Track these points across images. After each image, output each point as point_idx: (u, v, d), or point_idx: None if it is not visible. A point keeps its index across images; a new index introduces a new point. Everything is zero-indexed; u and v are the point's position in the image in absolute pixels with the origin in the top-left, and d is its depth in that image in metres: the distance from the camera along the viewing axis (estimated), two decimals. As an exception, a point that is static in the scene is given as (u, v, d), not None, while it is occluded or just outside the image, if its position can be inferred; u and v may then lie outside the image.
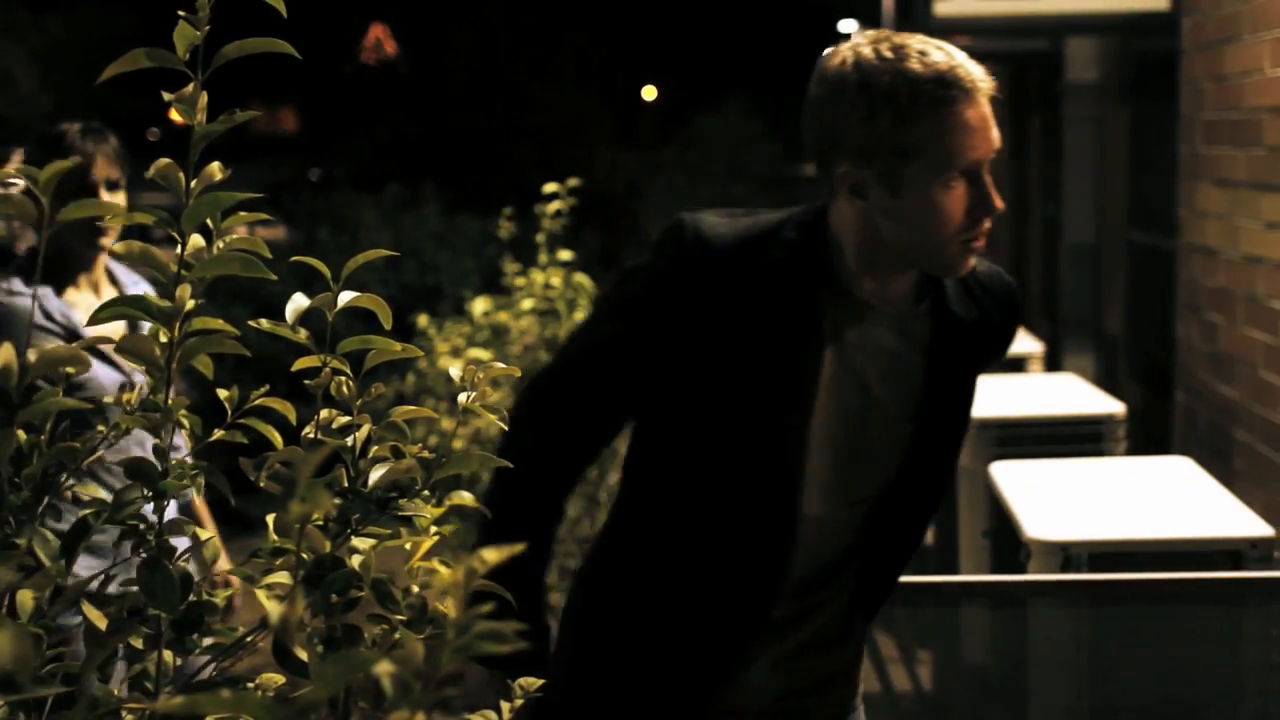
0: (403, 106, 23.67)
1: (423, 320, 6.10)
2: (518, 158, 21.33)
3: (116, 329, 3.11)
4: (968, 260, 2.14)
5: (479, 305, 5.78)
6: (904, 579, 3.00)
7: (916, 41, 2.09)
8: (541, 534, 2.29)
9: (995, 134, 2.11)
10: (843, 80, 2.07)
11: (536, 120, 22.41)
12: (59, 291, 3.60)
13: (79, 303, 3.62)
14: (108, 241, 3.54)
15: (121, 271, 3.78)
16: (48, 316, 3.52)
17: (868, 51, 2.07)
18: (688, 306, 2.16)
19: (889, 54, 2.05)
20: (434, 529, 1.66)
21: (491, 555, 1.22)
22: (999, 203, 2.09)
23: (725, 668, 2.25)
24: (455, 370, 1.81)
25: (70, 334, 3.49)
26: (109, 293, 3.65)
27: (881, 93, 2.04)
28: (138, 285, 3.77)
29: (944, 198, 2.06)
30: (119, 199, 3.58)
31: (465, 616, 1.22)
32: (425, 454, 1.69)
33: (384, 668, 1.10)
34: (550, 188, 5.79)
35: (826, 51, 2.13)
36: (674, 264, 2.18)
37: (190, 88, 1.49)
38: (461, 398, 1.76)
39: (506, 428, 2.03)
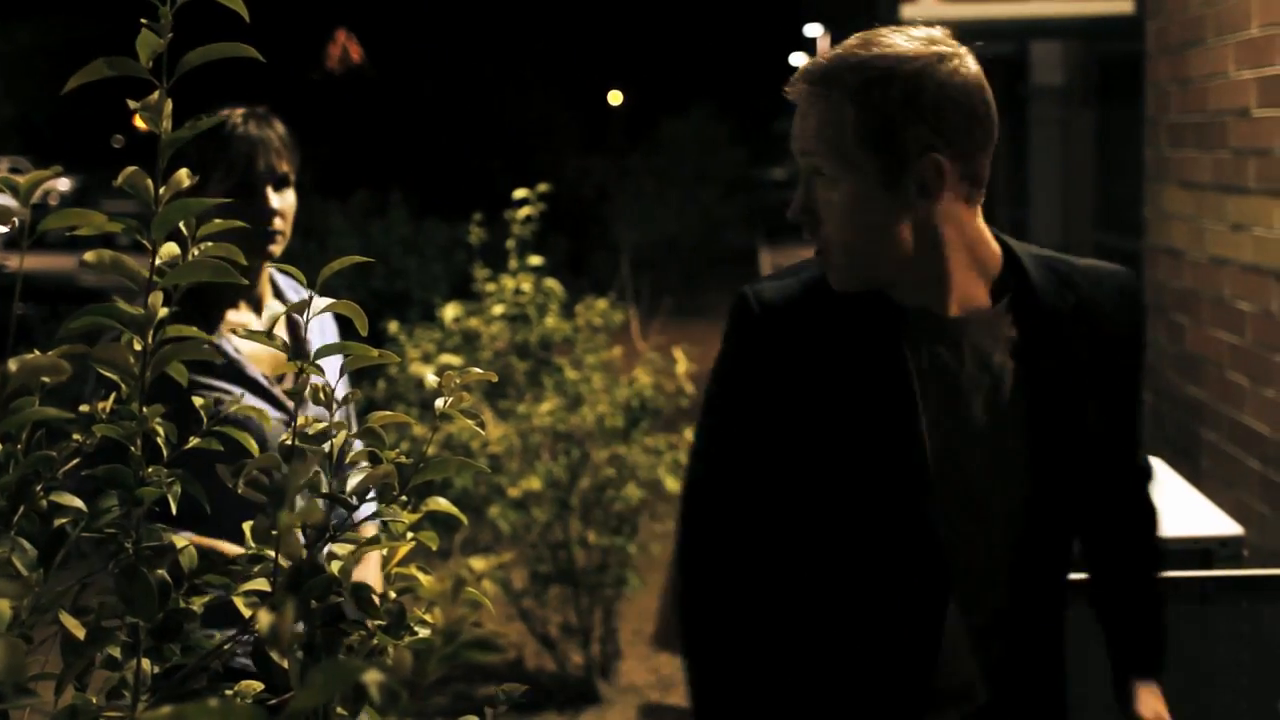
0: (370, 113, 23.64)
1: (393, 326, 6.09)
2: (485, 164, 21.32)
3: (271, 358, 2.87)
4: None
5: (449, 311, 5.77)
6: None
7: (945, 38, 2.11)
8: (751, 654, 2.23)
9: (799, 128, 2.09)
10: (893, 76, 2.06)
11: (504, 126, 22.44)
12: (215, 317, 2.92)
13: (238, 327, 3.01)
14: (277, 250, 2.94)
15: (287, 285, 3.11)
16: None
17: (909, 48, 2.06)
18: (775, 372, 2.13)
19: (932, 54, 2.07)
20: (410, 535, 1.66)
21: (479, 564, 1.22)
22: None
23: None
24: (430, 376, 1.81)
25: (231, 369, 2.87)
26: (274, 310, 3.02)
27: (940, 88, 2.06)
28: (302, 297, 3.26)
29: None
30: (288, 199, 2.98)
31: (452, 624, 1.22)
32: (402, 459, 1.70)
33: (372, 676, 1.10)
34: (520, 193, 5.79)
35: None
36: (749, 337, 2.16)
37: (155, 95, 1.49)
38: (438, 403, 1.76)
39: (680, 570, 2.17)
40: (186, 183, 1.52)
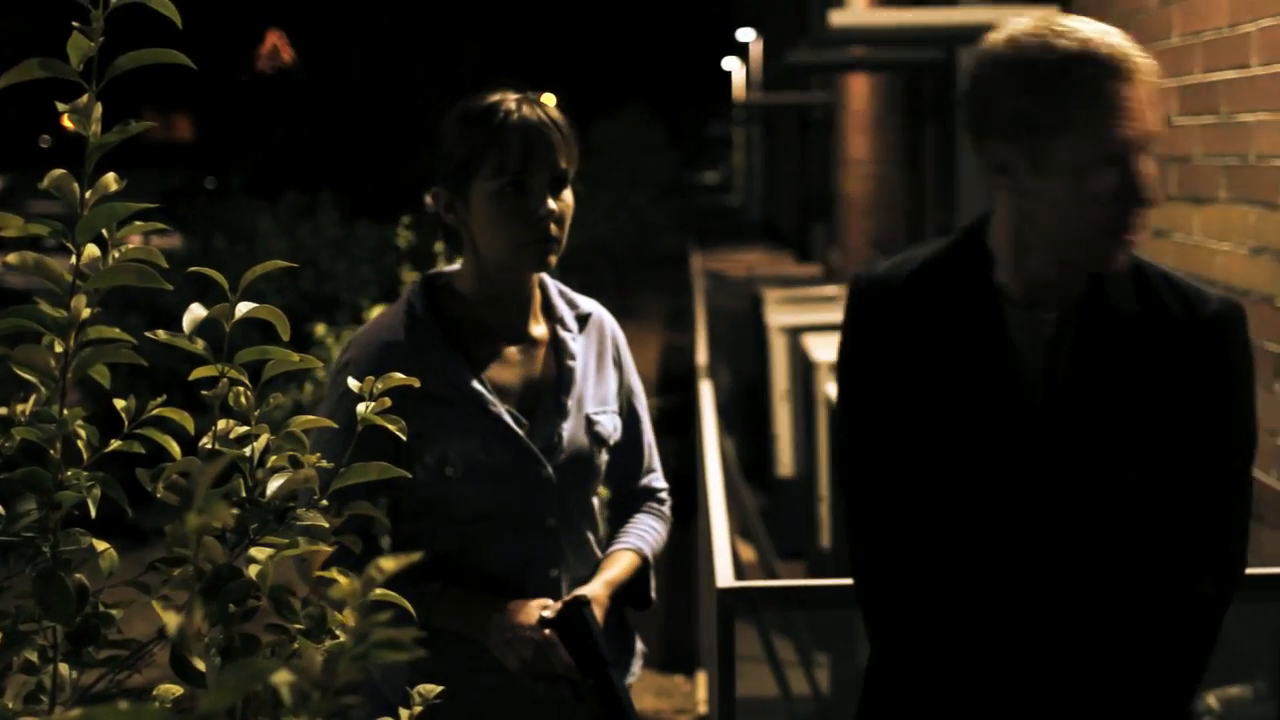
0: (300, 114, 23.51)
1: (320, 329, 6.06)
2: (416, 165, 21.25)
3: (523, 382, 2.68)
4: (1118, 253, 2.13)
5: (375, 313, 5.76)
6: (804, 582, 3.04)
7: (1078, 21, 2.12)
8: (945, 620, 2.23)
9: (1152, 118, 2.11)
10: (997, 55, 2.09)
11: (436, 128, 22.37)
12: (488, 339, 2.71)
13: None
14: (553, 260, 2.63)
15: (559, 297, 2.81)
16: (451, 385, 2.62)
17: (1027, 28, 2.09)
18: (887, 351, 2.23)
19: (1047, 31, 2.08)
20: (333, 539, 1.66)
21: (389, 564, 1.23)
22: (1148, 193, 2.10)
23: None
24: (352, 381, 1.82)
25: (475, 406, 2.62)
26: (542, 332, 2.76)
27: (1032, 65, 2.06)
28: (582, 310, 2.83)
29: (1090, 180, 2.07)
30: (566, 200, 2.64)
31: (363, 625, 1.23)
32: (323, 463, 1.70)
33: (282, 676, 1.11)
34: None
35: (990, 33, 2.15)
36: (862, 315, 2.26)
37: (85, 98, 1.49)
38: (360, 408, 1.77)
39: (854, 540, 2.22)
40: (114, 187, 1.52)
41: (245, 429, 1.67)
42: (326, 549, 1.66)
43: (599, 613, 2.57)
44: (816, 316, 8.56)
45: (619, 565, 2.69)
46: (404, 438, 1.82)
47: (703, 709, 5.78)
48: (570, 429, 2.67)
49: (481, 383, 2.62)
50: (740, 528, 7.32)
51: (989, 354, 2.16)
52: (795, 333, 8.07)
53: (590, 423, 2.70)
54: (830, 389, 5.65)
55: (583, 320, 2.79)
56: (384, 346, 2.61)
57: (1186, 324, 2.16)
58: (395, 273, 6.50)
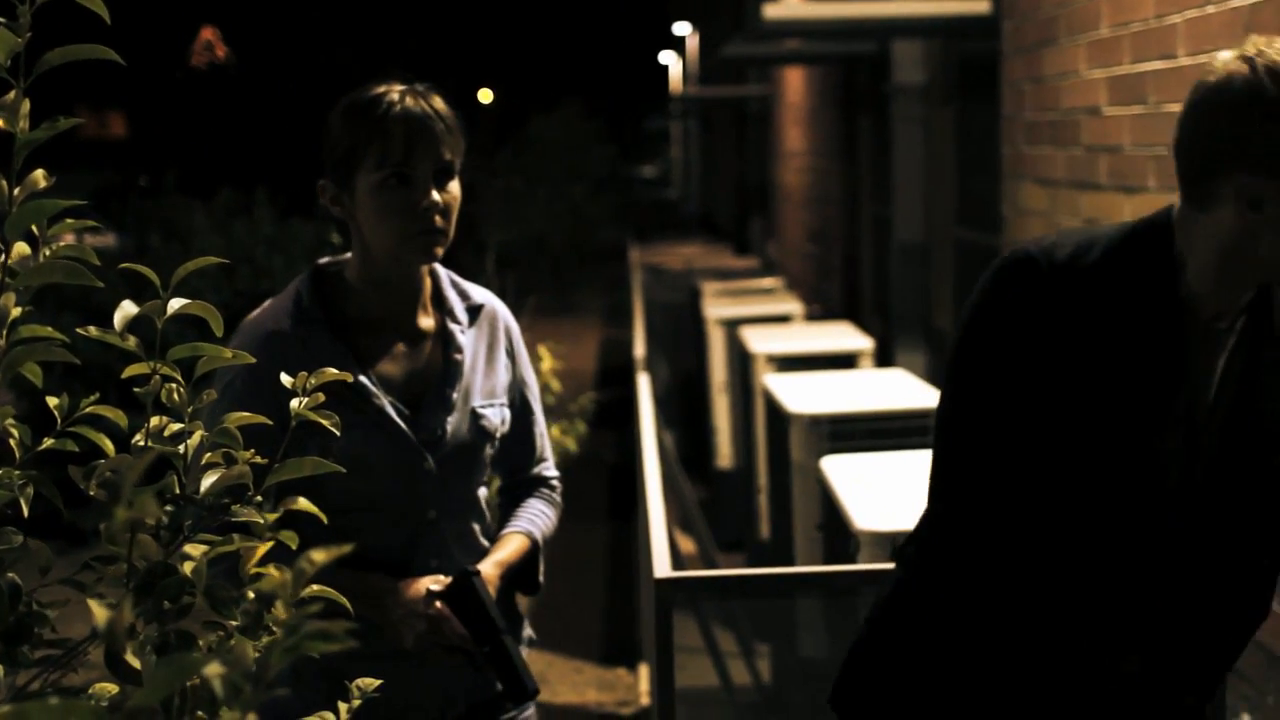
0: (234, 111, 23.34)
1: (219, 330, 6.02)
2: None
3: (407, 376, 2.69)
4: None
5: (313, 310, 5.73)
6: (741, 571, 3.06)
7: None
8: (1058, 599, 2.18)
9: None
10: (1251, 87, 1.98)
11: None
12: (375, 330, 2.71)
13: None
14: (439, 250, 2.63)
15: (451, 288, 2.80)
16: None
17: (1260, 58, 1.99)
18: (1052, 335, 2.11)
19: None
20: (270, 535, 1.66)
21: (320, 555, 1.23)
22: None
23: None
24: (285, 377, 1.82)
25: (358, 397, 2.61)
26: (430, 324, 2.75)
27: None
28: (474, 302, 2.81)
29: None
30: (452, 191, 2.62)
31: (294, 617, 1.24)
32: (258, 459, 1.70)
33: (213, 670, 1.11)
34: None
35: (1219, 59, 2.05)
36: (1033, 295, 2.12)
37: (12, 95, 1.48)
38: (294, 404, 1.77)
39: (960, 564, 2.11)
40: (43, 183, 1.52)
41: (179, 426, 1.67)
42: (262, 545, 1.66)
43: (490, 589, 2.59)
44: (754, 309, 8.59)
45: (509, 547, 2.72)
46: (337, 432, 1.82)
47: (645, 701, 5.80)
48: (454, 422, 2.67)
49: (366, 374, 2.62)
50: (680, 520, 7.35)
51: (1165, 364, 2.11)
52: (733, 325, 8.09)
53: (476, 416, 2.70)
54: (767, 380, 5.67)
55: (474, 312, 2.78)
56: (268, 335, 2.60)
57: None
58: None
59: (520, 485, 2.89)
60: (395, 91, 2.60)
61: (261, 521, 1.66)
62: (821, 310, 11.82)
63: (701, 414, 8.96)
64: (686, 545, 7.29)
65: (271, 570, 1.66)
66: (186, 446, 1.66)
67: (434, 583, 2.57)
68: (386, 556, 2.64)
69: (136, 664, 1.47)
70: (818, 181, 13.59)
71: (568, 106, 24.28)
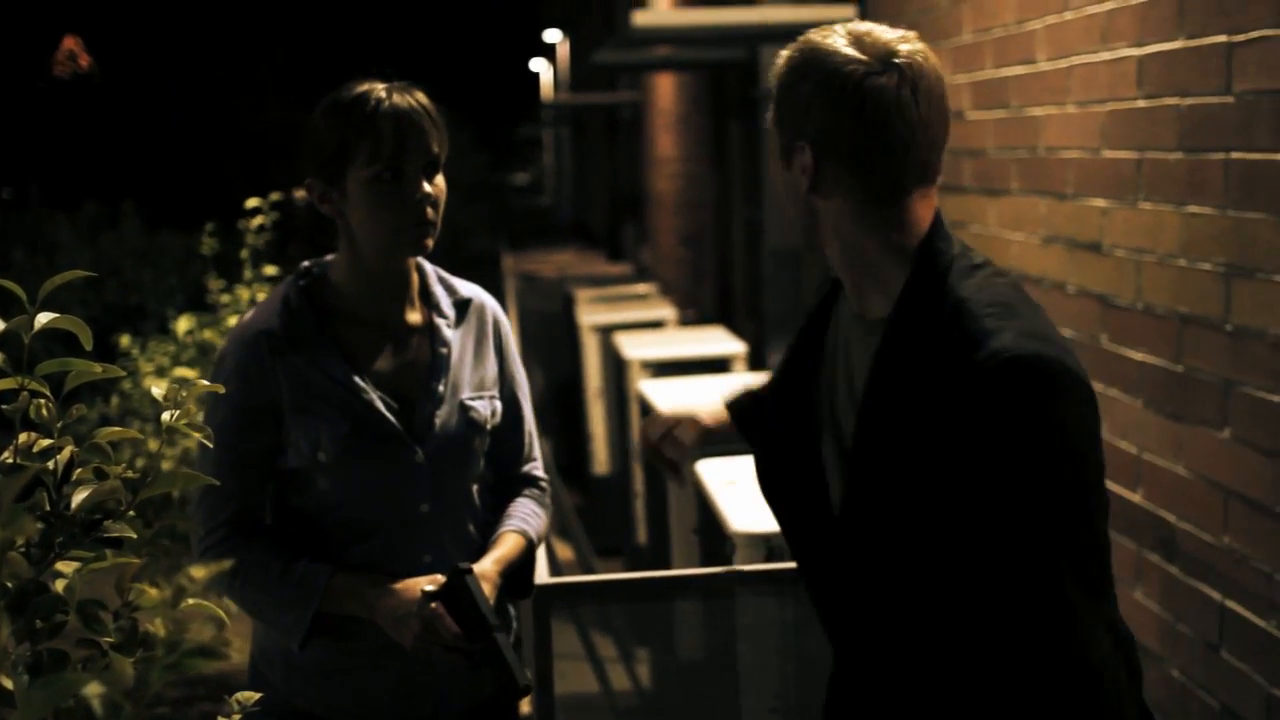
0: (99, 122, 22.95)
1: (125, 340, 5.95)
2: (222, 173, 20.91)
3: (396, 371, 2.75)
4: None
5: (183, 323, 5.66)
6: (620, 576, 3.07)
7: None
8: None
9: None
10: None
11: (241, 135, 22.00)
12: (358, 322, 2.75)
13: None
14: (430, 243, 2.68)
15: (438, 283, 2.85)
16: (323, 372, 2.66)
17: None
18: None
19: None
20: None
21: (199, 573, 1.23)
22: None
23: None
24: (158, 390, 1.80)
25: (347, 392, 2.66)
26: (418, 319, 2.79)
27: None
28: (461, 296, 2.86)
29: None
30: (439, 185, 2.69)
31: (174, 633, 1.23)
32: (130, 474, 1.68)
33: (93, 689, 1.10)
34: (252, 202, 5.71)
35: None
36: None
37: None
38: (165, 416, 1.75)
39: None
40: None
41: (49, 442, 1.65)
42: (135, 560, 1.65)
43: (487, 588, 2.61)
44: (628, 315, 8.62)
45: (507, 545, 2.73)
46: (209, 444, 1.81)
47: (526, 709, 5.79)
48: (444, 414, 2.70)
49: (354, 369, 2.67)
50: (558, 527, 7.35)
51: (806, 354, 2.27)
52: (607, 331, 8.12)
53: (465, 408, 2.73)
54: (642, 386, 5.70)
55: (462, 305, 2.83)
56: (257, 335, 2.65)
57: (957, 371, 1.92)
58: (202, 281, 6.40)
59: (510, 483, 2.89)
60: (381, 88, 2.64)
61: (134, 537, 1.65)
62: (695, 315, 11.88)
63: (577, 421, 8.97)
64: (564, 552, 7.30)
65: (145, 586, 1.65)
66: (56, 462, 1.64)
67: (429, 583, 2.58)
68: (380, 549, 2.67)
69: (9, 684, 1.45)
70: (690, 187, 13.65)
71: (438, 114, 24.17)
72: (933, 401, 1.93)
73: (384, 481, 2.65)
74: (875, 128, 2.02)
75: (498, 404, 2.81)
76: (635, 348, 6.96)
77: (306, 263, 2.78)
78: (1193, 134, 3.37)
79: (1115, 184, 3.78)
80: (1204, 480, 3.36)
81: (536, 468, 2.93)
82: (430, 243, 2.66)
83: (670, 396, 5.25)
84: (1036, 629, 1.91)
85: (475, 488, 2.78)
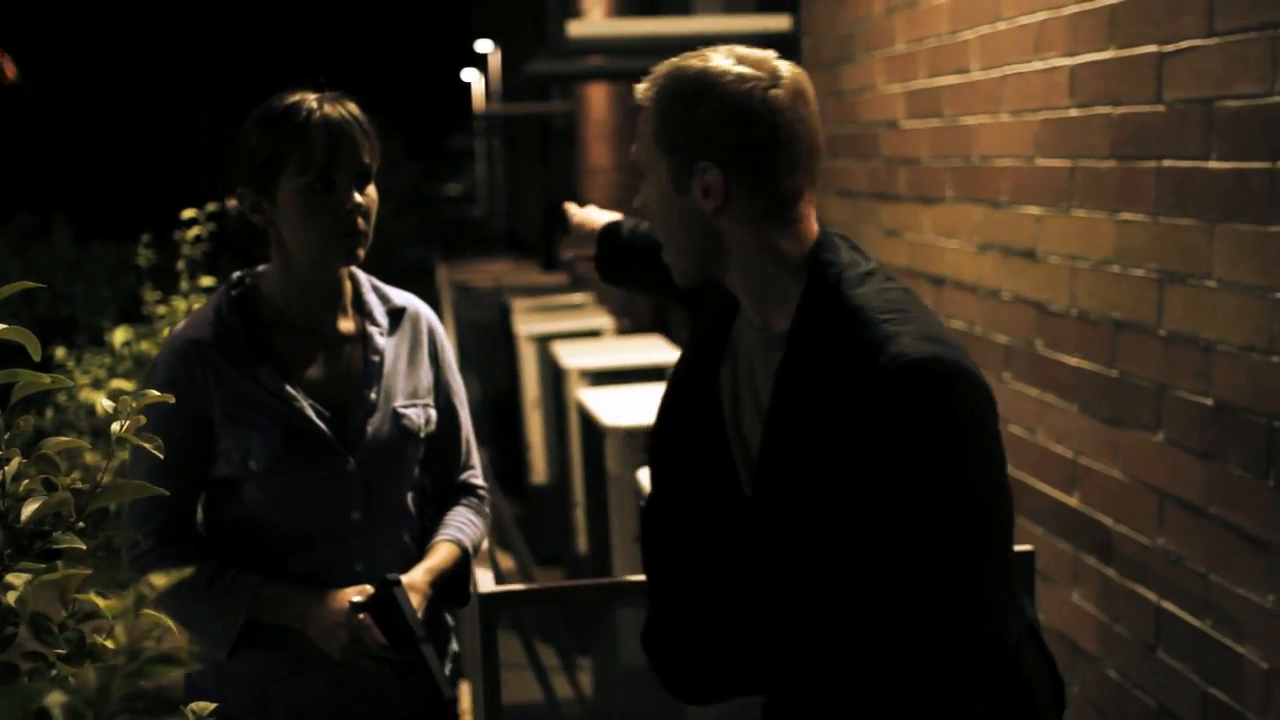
0: (29, 133, 22.72)
1: (60, 353, 5.90)
2: (155, 184, 20.75)
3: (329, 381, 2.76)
4: None
5: (120, 335, 5.62)
6: (568, 583, 3.08)
7: None
8: None
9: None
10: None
11: (174, 146, 21.83)
12: (288, 332, 2.75)
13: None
14: (361, 253, 2.68)
15: (372, 292, 2.85)
16: (255, 380, 2.67)
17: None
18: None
19: None
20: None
21: (160, 580, 1.23)
22: None
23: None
24: (105, 401, 1.80)
25: (278, 401, 2.66)
26: (351, 327, 2.79)
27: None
28: (395, 305, 2.85)
29: None
30: (370, 195, 2.69)
31: (133, 642, 1.23)
32: (80, 485, 1.68)
33: (55, 699, 1.11)
34: (188, 213, 5.67)
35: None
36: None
37: None
38: (114, 427, 1.75)
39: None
40: None
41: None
42: (83, 572, 1.65)
43: (417, 599, 2.61)
44: (565, 324, 8.62)
45: (440, 554, 2.73)
46: (160, 456, 1.81)
47: (468, 718, 5.78)
48: (376, 422, 2.71)
49: (286, 378, 2.67)
50: (498, 537, 7.34)
51: (702, 365, 2.31)
52: (545, 341, 8.12)
53: (398, 416, 2.74)
54: (581, 395, 5.71)
55: (395, 314, 2.83)
56: (188, 345, 2.66)
57: (860, 375, 1.98)
58: (136, 293, 6.35)
59: (448, 492, 2.90)
60: (312, 98, 2.65)
61: (83, 548, 1.64)
62: (630, 325, 11.90)
63: (514, 431, 8.96)
64: (505, 562, 7.29)
65: (93, 597, 1.65)
66: (4, 473, 1.64)
67: (357, 593, 2.59)
68: (312, 559, 2.67)
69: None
70: (624, 197, 13.66)
71: (372, 124, 24.10)
72: (837, 407, 2.00)
73: (315, 490, 2.65)
74: (783, 141, 2.08)
75: (432, 412, 2.81)
76: (573, 357, 6.97)
77: (239, 272, 2.79)
78: (1125, 142, 3.43)
79: (1049, 192, 3.83)
80: (1139, 483, 3.41)
81: (475, 476, 2.94)
82: (362, 252, 2.67)
83: (610, 405, 5.26)
84: (952, 621, 1.97)
85: (410, 496, 2.79)
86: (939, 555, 1.96)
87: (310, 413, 2.65)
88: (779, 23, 7.01)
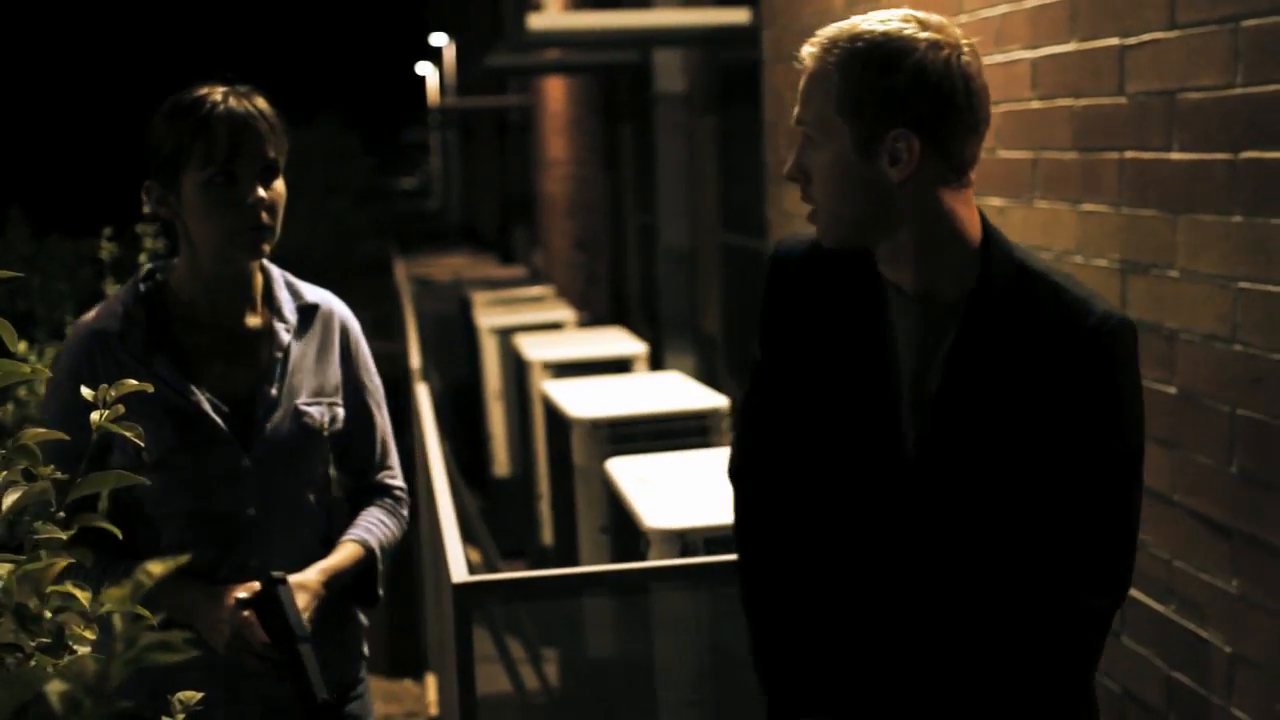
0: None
1: (22, 346, 5.87)
2: (111, 178, 20.61)
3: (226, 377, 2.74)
4: None
5: (82, 329, 5.59)
6: (543, 573, 3.09)
7: None
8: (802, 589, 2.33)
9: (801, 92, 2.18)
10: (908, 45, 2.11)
11: (129, 140, 21.68)
12: (195, 328, 2.75)
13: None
14: (267, 247, 2.68)
15: (284, 288, 2.83)
16: (153, 372, 2.66)
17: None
18: (784, 317, 2.30)
19: None
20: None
21: (157, 568, 1.24)
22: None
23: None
24: (85, 390, 1.80)
25: (175, 394, 2.66)
26: (258, 322, 2.79)
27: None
28: (306, 301, 2.84)
29: None
30: (277, 189, 2.68)
31: (132, 629, 1.24)
32: (59, 475, 1.69)
33: (55, 686, 1.11)
34: (150, 207, 5.65)
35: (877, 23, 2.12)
36: (767, 282, 2.31)
37: None
38: (94, 416, 1.76)
39: (735, 492, 2.31)
40: None
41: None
42: (60, 562, 1.65)
43: (305, 598, 2.62)
44: (527, 317, 8.64)
45: (340, 554, 2.73)
46: (141, 444, 1.82)
47: (434, 710, 5.79)
48: (276, 419, 2.71)
49: (185, 372, 2.68)
50: (463, 531, 7.33)
51: (868, 339, 2.21)
52: (507, 333, 8.13)
53: (299, 413, 2.73)
54: (546, 387, 5.73)
55: (307, 311, 2.82)
56: (91, 335, 2.67)
57: (1064, 334, 2.11)
58: (93, 286, 6.32)
59: (363, 492, 2.89)
60: (218, 92, 2.65)
61: (64, 538, 1.65)
62: (588, 318, 11.92)
63: (474, 424, 8.96)
64: (471, 555, 7.29)
65: (70, 587, 1.65)
66: (-15, 463, 1.64)
67: (244, 590, 2.59)
68: (207, 553, 2.67)
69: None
70: (581, 190, 13.68)
71: (326, 120, 24.02)
72: (1029, 364, 2.12)
73: (208, 484, 2.65)
74: (975, 108, 2.10)
75: (339, 411, 2.80)
76: (536, 349, 6.98)
77: (149, 264, 2.79)
78: (1087, 134, 3.46)
79: (1012, 183, 3.87)
80: (1102, 471, 3.45)
81: (391, 476, 2.93)
82: (267, 246, 2.67)
83: (575, 397, 5.28)
84: (1125, 556, 2.17)
85: (313, 495, 2.79)
86: (1125, 485, 2.16)
87: (207, 407, 2.65)
88: (738, 15, 7.04)
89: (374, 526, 2.82)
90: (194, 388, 2.66)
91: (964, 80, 2.08)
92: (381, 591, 2.84)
